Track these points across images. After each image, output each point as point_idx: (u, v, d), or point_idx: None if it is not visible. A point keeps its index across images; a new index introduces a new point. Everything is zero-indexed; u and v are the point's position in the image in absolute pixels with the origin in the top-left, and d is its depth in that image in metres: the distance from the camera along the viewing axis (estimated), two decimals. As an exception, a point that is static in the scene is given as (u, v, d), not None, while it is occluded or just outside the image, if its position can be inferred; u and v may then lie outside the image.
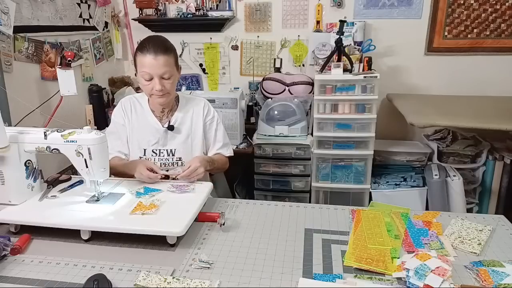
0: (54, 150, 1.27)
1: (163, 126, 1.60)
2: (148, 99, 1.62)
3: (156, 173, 1.45)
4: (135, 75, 1.55)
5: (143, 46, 1.46)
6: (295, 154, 2.44)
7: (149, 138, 1.60)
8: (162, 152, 1.61)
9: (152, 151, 1.60)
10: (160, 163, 1.60)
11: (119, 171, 1.56)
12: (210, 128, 1.68)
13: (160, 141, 1.60)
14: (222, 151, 1.70)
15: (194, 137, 1.64)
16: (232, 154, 1.74)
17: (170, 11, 2.77)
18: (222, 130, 1.71)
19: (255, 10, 2.75)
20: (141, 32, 2.91)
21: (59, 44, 2.26)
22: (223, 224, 1.23)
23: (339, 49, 2.36)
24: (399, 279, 0.99)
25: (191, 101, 1.68)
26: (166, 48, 1.47)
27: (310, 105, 2.50)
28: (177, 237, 1.14)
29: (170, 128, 1.59)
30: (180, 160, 1.62)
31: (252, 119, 2.75)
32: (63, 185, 1.43)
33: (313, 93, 2.42)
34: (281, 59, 2.82)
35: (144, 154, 1.60)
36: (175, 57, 1.52)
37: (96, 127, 2.51)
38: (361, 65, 2.35)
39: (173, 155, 1.61)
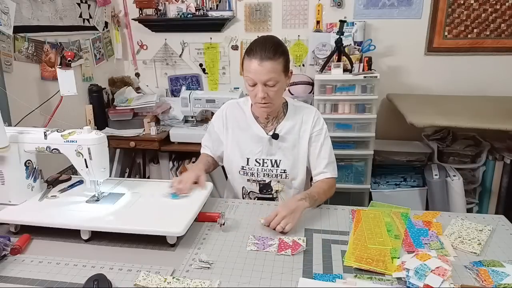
0: (54, 150, 1.27)
1: (267, 134, 1.48)
2: (252, 104, 1.52)
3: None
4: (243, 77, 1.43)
5: (251, 49, 1.34)
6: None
7: (252, 147, 1.50)
8: (266, 162, 1.49)
9: (256, 160, 1.50)
10: (264, 174, 1.50)
11: None
12: (315, 141, 1.49)
13: (263, 150, 1.49)
14: (328, 170, 1.48)
15: (300, 148, 1.49)
16: (337, 176, 1.51)
17: (170, 11, 2.76)
18: (328, 146, 1.50)
19: (255, 10, 2.75)
20: (141, 32, 2.92)
21: (59, 44, 2.26)
22: (223, 224, 1.22)
23: (339, 49, 2.36)
24: (399, 279, 0.99)
25: (301, 109, 1.52)
26: (275, 53, 1.32)
27: (310, 105, 2.50)
28: (177, 237, 1.14)
29: (275, 136, 1.47)
30: (284, 172, 1.49)
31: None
32: (63, 185, 1.43)
33: (313, 93, 2.42)
34: (281, 59, 2.82)
35: (247, 164, 1.51)
36: (284, 63, 1.37)
37: (96, 127, 2.53)
38: (361, 65, 2.35)
39: (277, 166, 1.49)
